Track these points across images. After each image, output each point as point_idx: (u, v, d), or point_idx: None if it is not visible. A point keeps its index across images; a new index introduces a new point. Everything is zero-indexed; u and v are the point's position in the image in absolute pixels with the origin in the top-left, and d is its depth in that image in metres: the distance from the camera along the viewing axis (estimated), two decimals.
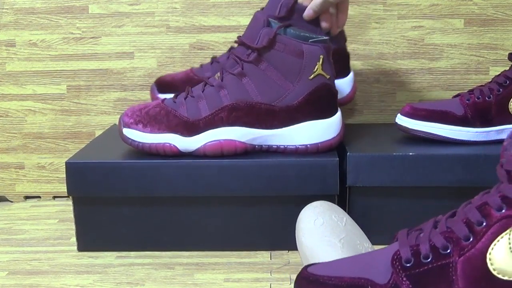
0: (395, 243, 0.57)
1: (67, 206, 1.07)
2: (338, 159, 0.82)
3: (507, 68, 0.90)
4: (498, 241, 0.51)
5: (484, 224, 0.52)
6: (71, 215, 0.88)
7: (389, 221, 0.86)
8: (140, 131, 0.82)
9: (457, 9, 1.06)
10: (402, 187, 0.84)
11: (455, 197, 0.84)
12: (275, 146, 0.85)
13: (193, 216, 0.85)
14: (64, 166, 1.06)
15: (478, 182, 0.82)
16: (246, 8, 1.07)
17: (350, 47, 1.07)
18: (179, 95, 0.85)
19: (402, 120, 0.89)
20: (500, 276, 0.51)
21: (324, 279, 0.56)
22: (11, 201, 1.12)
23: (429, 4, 1.06)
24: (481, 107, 0.88)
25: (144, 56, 1.08)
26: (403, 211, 0.85)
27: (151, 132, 0.82)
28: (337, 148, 0.87)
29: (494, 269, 0.51)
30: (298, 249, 0.74)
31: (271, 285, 0.75)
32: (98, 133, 1.10)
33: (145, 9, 1.07)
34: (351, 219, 0.77)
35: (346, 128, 0.97)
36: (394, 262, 0.54)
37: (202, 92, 0.84)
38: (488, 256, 0.51)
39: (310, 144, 0.84)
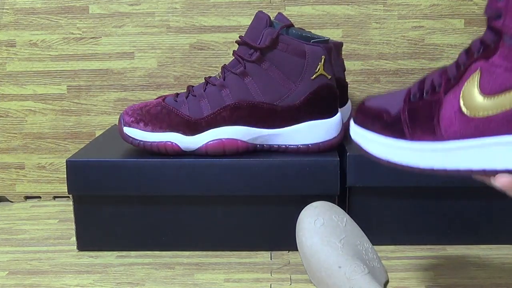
0: None
1: (67, 206, 1.06)
2: (338, 159, 0.82)
3: None
4: (469, 81, 0.52)
5: (465, 65, 0.53)
6: (71, 215, 0.88)
7: (389, 221, 0.86)
8: (141, 129, 0.82)
9: (458, 9, 1.06)
10: (402, 187, 0.84)
11: (455, 197, 0.84)
12: (277, 146, 0.85)
13: (193, 216, 0.85)
14: (64, 167, 1.06)
15: (477, 183, 0.82)
16: (247, 8, 1.07)
17: (350, 47, 1.07)
18: (180, 94, 0.85)
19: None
20: (467, 113, 0.51)
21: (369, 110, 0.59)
22: (12, 201, 1.12)
23: (430, 4, 1.06)
24: None
25: (144, 56, 1.08)
26: (403, 211, 0.85)
27: (152, 130, 0.82)
28: (337, 148, 0.87)
29: (463, 105, 0.52)
30: (299, 249, 0.74)
31: (271, 286, 0.75)
32: (98, 133, 1.10)
33: (145, 9, 1.07)
34: (351, 219, 0.77)
35: (346, 128, 0.97)
36: (405, 97, 0.56)
37: (204, 91, 0.84)
38: (461, 93, 0.52)
39: (311, 144, 0.84)
